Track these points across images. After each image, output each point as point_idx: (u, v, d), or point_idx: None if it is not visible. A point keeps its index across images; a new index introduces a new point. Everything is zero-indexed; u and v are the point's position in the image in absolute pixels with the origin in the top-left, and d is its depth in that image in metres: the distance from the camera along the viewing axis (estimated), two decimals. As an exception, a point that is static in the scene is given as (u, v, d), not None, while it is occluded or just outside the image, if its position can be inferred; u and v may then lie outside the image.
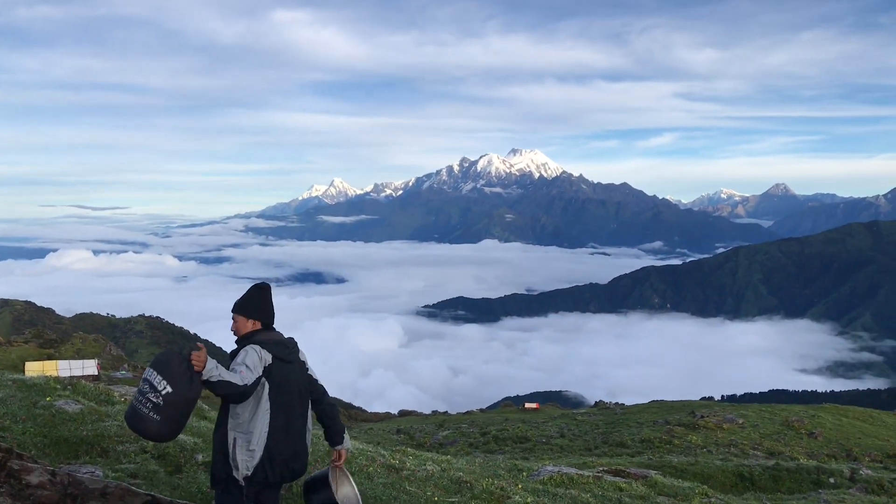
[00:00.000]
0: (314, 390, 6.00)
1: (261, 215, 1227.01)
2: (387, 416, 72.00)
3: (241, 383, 5.27)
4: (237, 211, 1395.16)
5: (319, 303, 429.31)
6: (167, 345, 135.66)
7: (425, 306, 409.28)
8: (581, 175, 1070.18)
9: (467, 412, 65.17)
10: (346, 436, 6.14)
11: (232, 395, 5.32)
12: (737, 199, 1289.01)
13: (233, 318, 5.89)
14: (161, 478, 6.03)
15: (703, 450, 30.71)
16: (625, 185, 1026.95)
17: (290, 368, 5.69)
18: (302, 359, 5.95)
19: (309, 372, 5.98)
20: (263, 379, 5.47)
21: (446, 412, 70.10)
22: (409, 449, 15.75)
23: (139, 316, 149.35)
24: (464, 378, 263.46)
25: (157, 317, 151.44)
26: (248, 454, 5.44)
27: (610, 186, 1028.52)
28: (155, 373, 5.12)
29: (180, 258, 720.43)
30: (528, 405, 60.92)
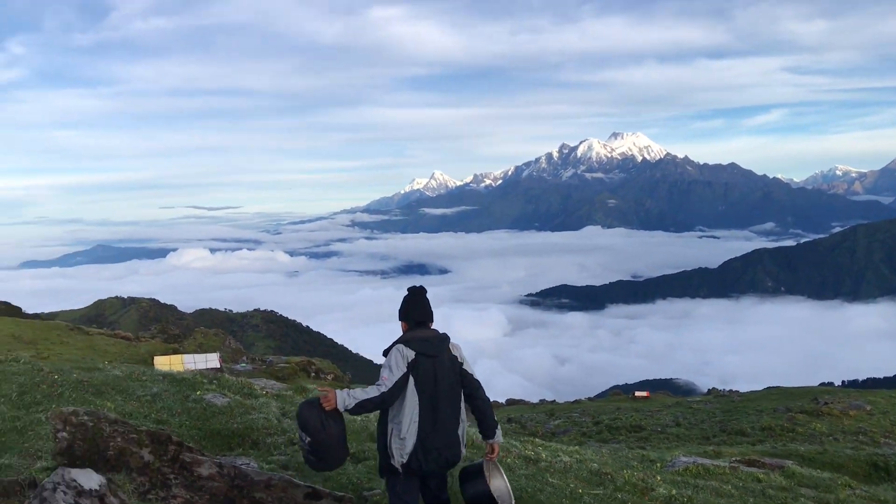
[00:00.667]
0: (467, 384, 6.31)
1: (365, 210, 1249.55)
2: (495, 405, 72.08)
3: (377, 394, 5.85)
4: (343, 206, 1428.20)
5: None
6: (281, 338, 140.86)
7: (528, 295, 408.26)
8: (686, 156, 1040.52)
9: (575, 401, 64.62)
10: (499, 430, 6.49)
11: (376, 408, 5.92)
12: (853, 175, 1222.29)
13: None
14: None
15: (828, 438, 29.43)
16: (732, 165, 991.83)
17: (435, 362, 6.07)
18: (454, 353, 6.27)
19: (464, 367, 6.30)
20: (409, 374, 5.95)
21: (554, 401, 69.72)
22: (536, 439, 15.78)
23: (254, 310, 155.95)
24: (569, 366, 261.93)
25: (272, 311, 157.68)
26: (399, 442, 5.92)
27: (717, 167, 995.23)
28: (298, 428, 6.03)
29: (291, 254, 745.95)
30: (638, 393, 59.74)
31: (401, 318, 6.42)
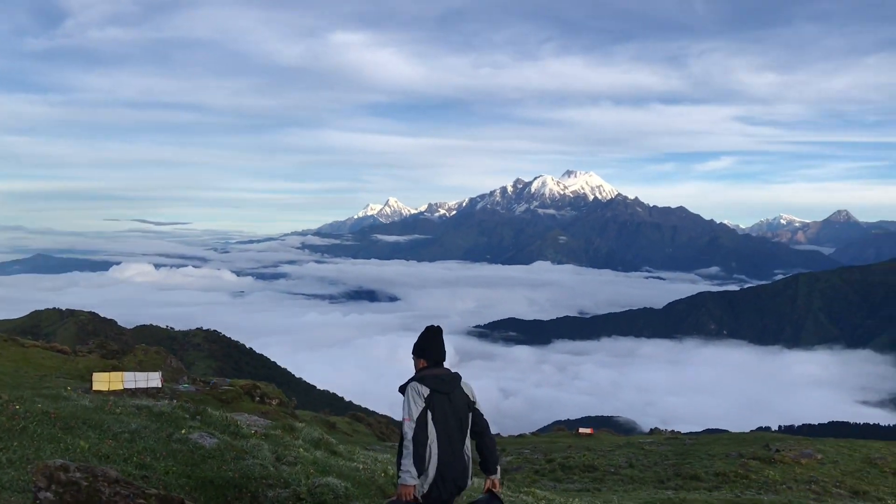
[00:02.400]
0: (478, 423, 6.99)
1: (317, 233, 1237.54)
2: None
3: (410, 444, 6.42)
4: (294, 228, 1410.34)
5: (372, 320, 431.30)
6: (223, 358, 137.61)
7: (476, 326, 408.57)
8: (636, 198, 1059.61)
9: (520, 435, 64.21)
10: (499, 467, 7.15)
11: (419, 450, 6.46)
12: (797, 224, 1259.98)
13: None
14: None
15: (782, 486, 29.49)
16: (681, 208, 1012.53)
17: (449, 398, 6.72)
18: (466, 392, 6.94)
19: (476, 406, 7.00)
20: (427, 409, 6.58)
21: (498, 434, 69.20)
22: (533, 488, 15.29)
23: (197, 329, 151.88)
24: (514, 400, 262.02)
25: (215, 330, 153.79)
26: (423, 476, 6.49)
27: (666, 210, 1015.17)
28: None
29: (238, 273, 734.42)
30: (582, 430, 59.78)
31: (417, 355, 6.96)
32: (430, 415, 6.52)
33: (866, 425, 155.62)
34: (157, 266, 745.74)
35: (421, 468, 6.38)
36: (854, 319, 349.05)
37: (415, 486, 6.38)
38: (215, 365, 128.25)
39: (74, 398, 9.77)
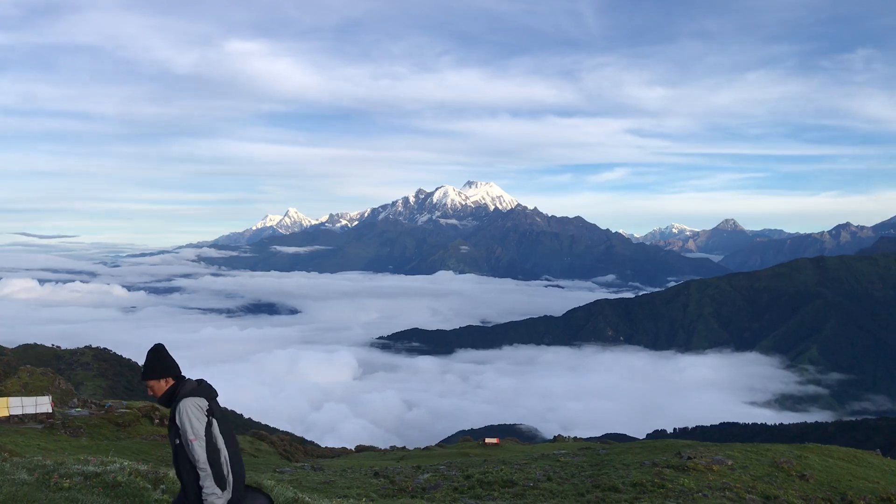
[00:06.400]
0: None
1: (213, 245, 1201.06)
2: (343, 452, 69.57)
3: (203, 464, 6.34)
4: (189, 240, 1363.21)
5: (271, 334, 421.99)
6: (114, 377, 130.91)
7: (379, 338, 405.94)
8: (535, 208, 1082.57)
9: (426, 448, 63.24)
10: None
11: (220, 466, 6.46)
12: (687, 233, 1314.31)
13: (148, 386, 6.82)
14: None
15: (698, 494, 29.36)
16: (578, 218, 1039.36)
17: (217, 402, 6.81)
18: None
19: None
20: (211, 420, 6.57)
21: (404, 447, 68.05)
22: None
23: (86, 347, 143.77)
24: (417, 411, 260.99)
25: (105, 348, 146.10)
26: (227, 488, 6.53)
27: (563, 220, 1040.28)
28: None
29: (129, 288, 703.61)
30: (488, 440, 59.46)
31: (157, 377, 6.75)
32: (216, 425, 6.45)
33: (755, 425, 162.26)
34: (41, 281, 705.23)
35: (223, 485, 6.32)
36: (742, 323, 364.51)
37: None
38: (105, 385, 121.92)
39: (8, 469, 7.76)
